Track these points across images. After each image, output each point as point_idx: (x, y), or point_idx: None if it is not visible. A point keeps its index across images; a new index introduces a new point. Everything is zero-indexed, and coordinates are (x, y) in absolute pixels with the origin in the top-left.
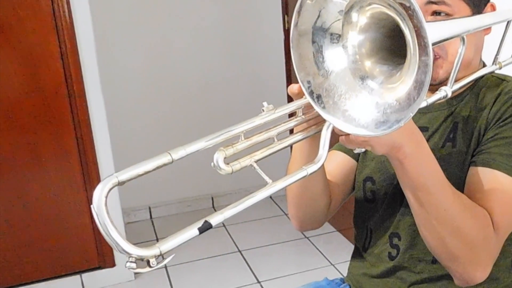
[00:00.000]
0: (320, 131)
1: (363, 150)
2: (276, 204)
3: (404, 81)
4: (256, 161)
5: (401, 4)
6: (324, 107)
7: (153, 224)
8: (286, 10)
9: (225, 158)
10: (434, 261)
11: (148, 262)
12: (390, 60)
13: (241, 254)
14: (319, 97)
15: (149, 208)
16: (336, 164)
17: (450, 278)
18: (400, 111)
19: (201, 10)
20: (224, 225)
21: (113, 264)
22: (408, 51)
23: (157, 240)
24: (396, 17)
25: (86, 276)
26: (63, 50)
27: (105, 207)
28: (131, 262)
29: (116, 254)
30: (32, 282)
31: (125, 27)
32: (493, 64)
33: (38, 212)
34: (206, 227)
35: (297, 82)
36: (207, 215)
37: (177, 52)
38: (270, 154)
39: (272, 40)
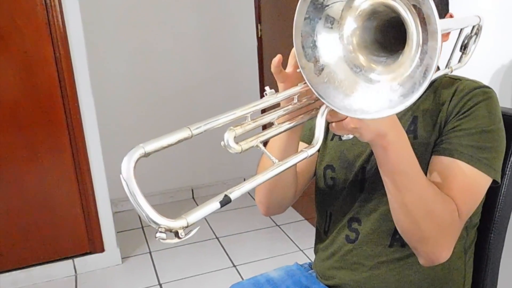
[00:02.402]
0: (312, 117)
1: (350, 137)
2: (250, 195)
3: (406, 67)
4: (261, 142)
5: None
6: (322, 93)
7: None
8: (259, 19)
9: (234, 137)
10: (391, 245)
11: (176, 233)
12: (380, 52)
13: (218, 241)
14: (318, 83)
15: None
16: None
17: (405, 261)
18: (404, 95)
19: (181, 19)
20: None
21: (102, 250)
22: (410, 39)
23: (143, 228)
24: (399, 7)
25: (78, 260)
26: (57, 56)
27: (133, 177)
28: (160, 232)
29: (105, 240)
30: (29, 266)
31: (112, 34)
32: (446, 68)
33: (34, 202)
34: (226, 201)
35: (269, 84)
36: (187, 205)
37: (160, 57)
38: (273, 136)
39: (247, 46)
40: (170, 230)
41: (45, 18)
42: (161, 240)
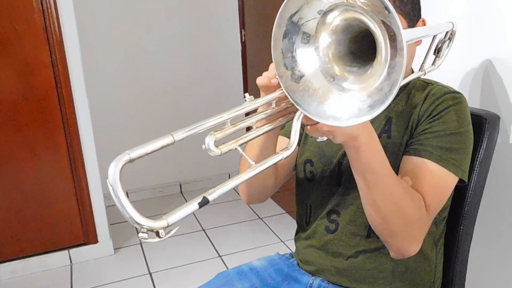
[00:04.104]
0: (289, 120)
1: (324, 139)
2: (235, 190)
3: (375, 79)
4: (239, 145)
5: (379, 12)
6: (298, 100)
7: None
8: (243, 25)
9: (215, 141)
10: (368, 236)
11: (157, 233)
12: (353, 62)
13: (205, 232)
14: (295, 91)
15: (127, 193)
16: (281, 148)
17: (381, 251)
18: (371, 106)
19: (170, 25)
20: None
21: (96, 241)
22: (379, 53)
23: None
24: (369, 22)
25: (73, 251)
26: (53, 59)
27: (119, 182)
28: (143, 232)
29: (99, 232)
30: (27, 256)
31: (106, 40)
32: (419, 70)
33: (32, 197)
34: (204, 202)
35: (252, 85)
36: (176, 199)
37: (149, 60)
38: (251, 139)
39: (231, 50)
40: (152, 230)
41: (42, 24)
42: (143, 240)
